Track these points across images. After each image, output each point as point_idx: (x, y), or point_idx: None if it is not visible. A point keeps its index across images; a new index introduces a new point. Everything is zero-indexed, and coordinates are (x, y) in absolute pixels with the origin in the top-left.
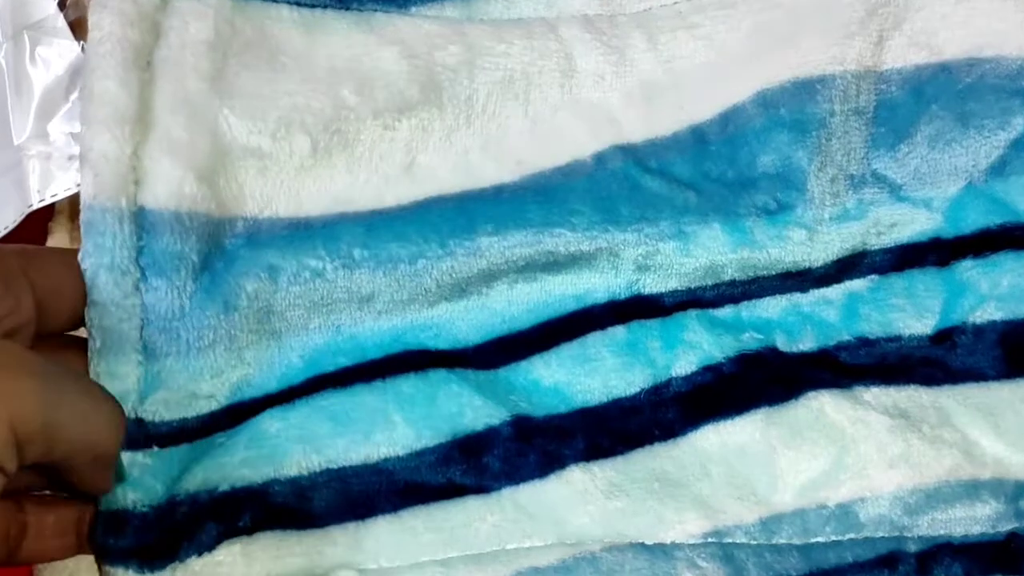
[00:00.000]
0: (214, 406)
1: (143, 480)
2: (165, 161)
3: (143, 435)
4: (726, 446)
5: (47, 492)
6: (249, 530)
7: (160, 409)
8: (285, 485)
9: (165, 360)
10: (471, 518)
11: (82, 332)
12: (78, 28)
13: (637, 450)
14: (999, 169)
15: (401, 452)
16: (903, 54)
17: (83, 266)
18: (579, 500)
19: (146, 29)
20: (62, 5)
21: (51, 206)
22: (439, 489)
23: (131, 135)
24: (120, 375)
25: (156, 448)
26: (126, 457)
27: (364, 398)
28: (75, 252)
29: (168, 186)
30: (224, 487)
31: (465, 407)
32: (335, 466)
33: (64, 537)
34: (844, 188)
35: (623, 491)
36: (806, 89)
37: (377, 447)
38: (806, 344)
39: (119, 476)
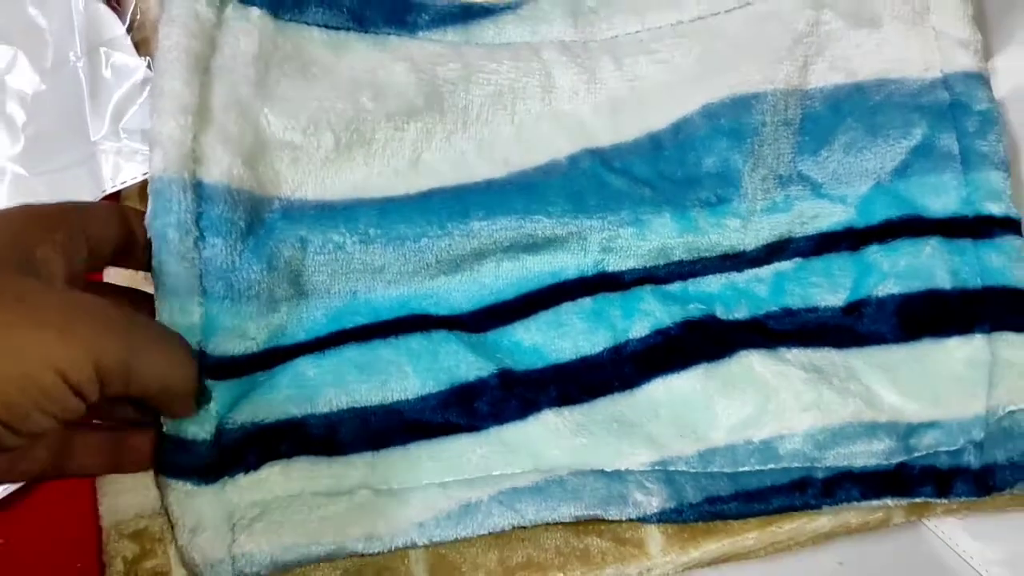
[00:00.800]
0: (255, 348)
1: (202, 410)
2: (219, 148)
3: (204, 366)
4: (672, 395)
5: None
6: (287, 454)
7: (218, 344)
8: (319, 419)
9: (222, 303)
10: (464, 450)
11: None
12: (142, 46)
13: (600, 398)
14: (902, 171)
15: (410, 396)
16: (824, 76)
17: (152, 225)
18: (552, 437)
19: (205, 41)
20: (129, 28)
21: (119, 192)
22: (439, 427)
23: (192, 124)
24: (188, 311)
25: (214, 380)
26: None
27: (381, 352)
28: (115, 207)
29: (220, 167)
30: (269, 419)
31: (461, 362)
32: (359, 406)
33: (103, 456)
34: (773, 185)
35: (587, 430)
36: (743, 104)
37: (392, 392)
38: (740, 313)
39: (201, 402)
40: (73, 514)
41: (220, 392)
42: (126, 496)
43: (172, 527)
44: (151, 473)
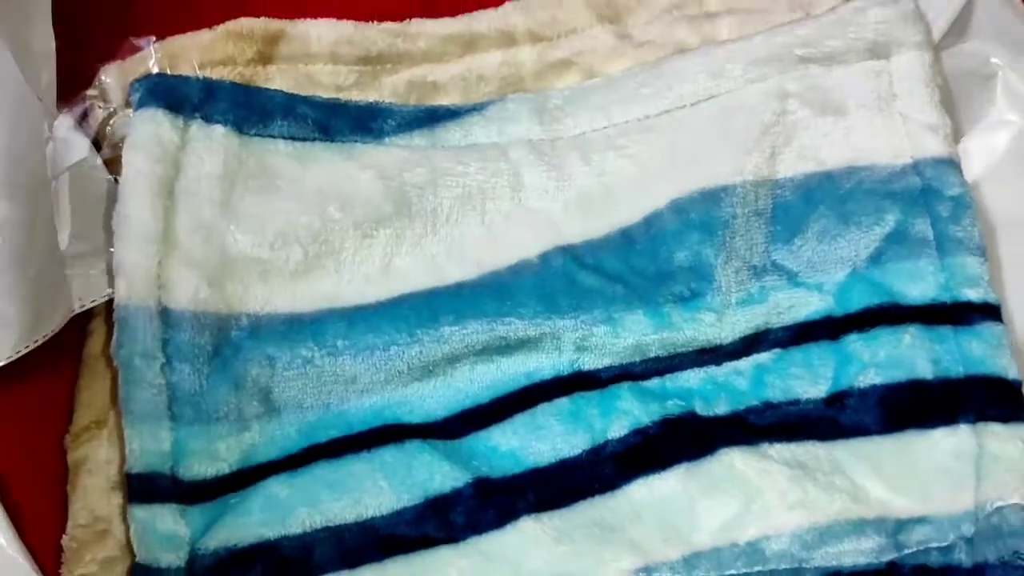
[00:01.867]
0: (226, 469)
1: (176, 536)
2: (184, 272)
3: (177, 491)
4: (654, 496)
5: None
6: None
7: (190, 468)
8: (293, 540)
9: (191, 427)
10: (442, 563)
11: None
12: (112, 164)
13: (580, 502)
14: (876, 258)
15: (385, 512)
16: (793, 165)
17: (118, 355)
18: (531, 546)
19: (170, 165)
20: (97, 145)
21: (90, 310)
22: (415, 540)
23: (157, 252)
24: (158, 438)
25: (186, 505)
26: (164, 512)
27: (354, 467)
28: None
29: (187, 292)
30: (243, 544)
31: (435, 473)
32: (333, 524)
33: None
34: (747, 277)
35: (568, 536)
36: (712, 197)
37: (366, 508)
38: (720, 408)
39: None
40: None
41: (192, 517)
42: None
43: None
44: None
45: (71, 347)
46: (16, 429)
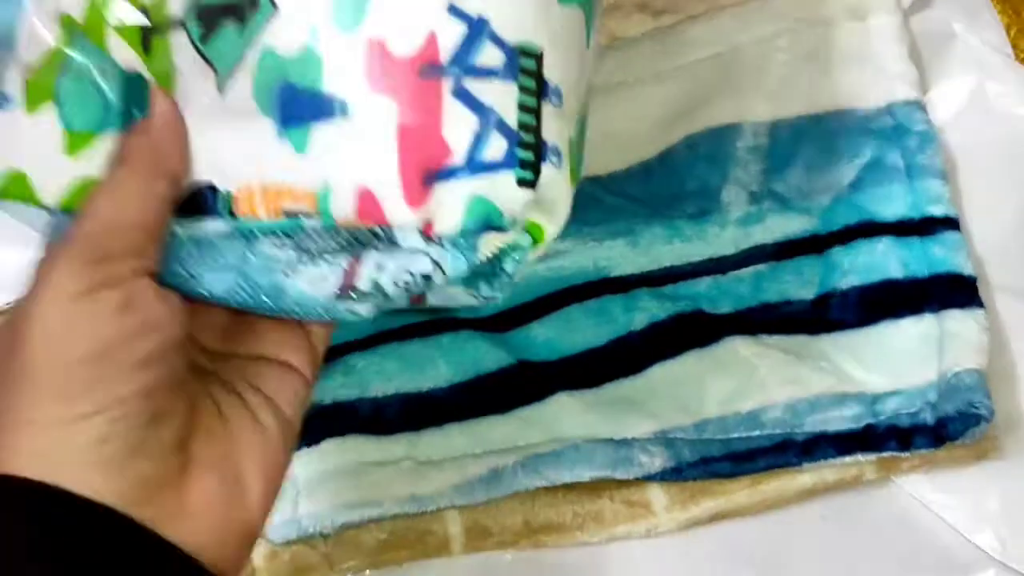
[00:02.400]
0: None
1: None
2: None
3: None
4: (669, 377)
5: None
6: (341, 432)
7: None
8: (367, 403)
9: None
10: (491, 427)
11: None
12: None
13: (607, 384)
14: (856, 185)
15: (443, 384)
16: (787, 108)
17: None
18: (566, 414)
19: None
20: None
21: None
22: (469, 409)
23: None
24: None
25: None
26: None
27: (418, 347)
28: None
29: None
30: (326, 401)
31: (485, 356)
32: (401, 392)
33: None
34: (747, 200)
35: (596, 409)
36: (718, 134)
37: (427, 381)
38: (724, 308)
39: None
40: None
41: None
42: None
43: None
44: None
45: None
46: None
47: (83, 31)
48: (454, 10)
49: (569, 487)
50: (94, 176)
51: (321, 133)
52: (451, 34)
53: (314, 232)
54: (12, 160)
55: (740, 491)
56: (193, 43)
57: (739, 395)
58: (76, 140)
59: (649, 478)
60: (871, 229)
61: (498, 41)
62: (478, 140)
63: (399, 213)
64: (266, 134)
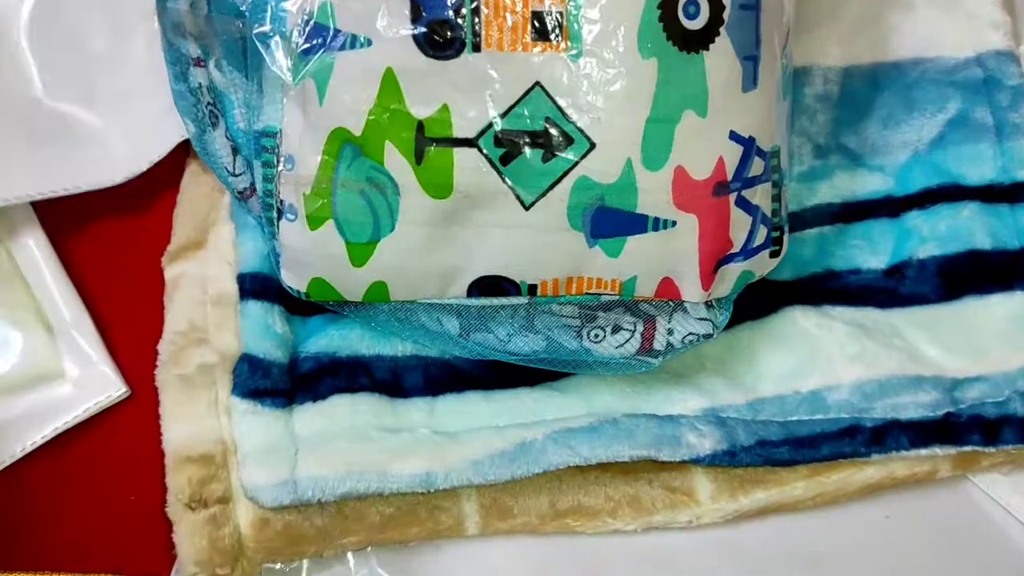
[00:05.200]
0: None
1: (282, 335)
2: None
3: (284, 296)
4: (716, 348)
5: None
6: (354, 389)
7: None
8: (385, 362)
9: None
10: (518, 394)
11: None
12: None
13: None
14: (938, 142)
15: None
16: (862, 54)
17: None
18: (603, 384)
19: None
20: None
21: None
22: (495, 380)
23: None
24: (269, 243)
25: (291, 314)
26: (274, 311)
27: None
28: None
29: None
30: (341, 354)
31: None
32: (420, 354)
33: None
34: (810, 153)
35: (638, 379)
36: None
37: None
38: (785, 274)
39: None
40: (133, 444)
41: (296, 326)
42: (190, 424)
43: (236, 450)
44: (215, 404)
45: (171, 175)
46: (112, 251)
47: (359, 143)
48: (733, 135)
49: (603, 467)
50: (384, 280)
51: (635, 243)
52: (733, 155)
53: (608, 302)
54: (310, 269)
55: (796, 482)
56: (492, 163)
57: (799, 372)
58: (359, 252)
59: (697, 461)
60: (954, 193)
61: (761, 153)
62: (751, 234)
63: (694, 294)
64: (576, 245)
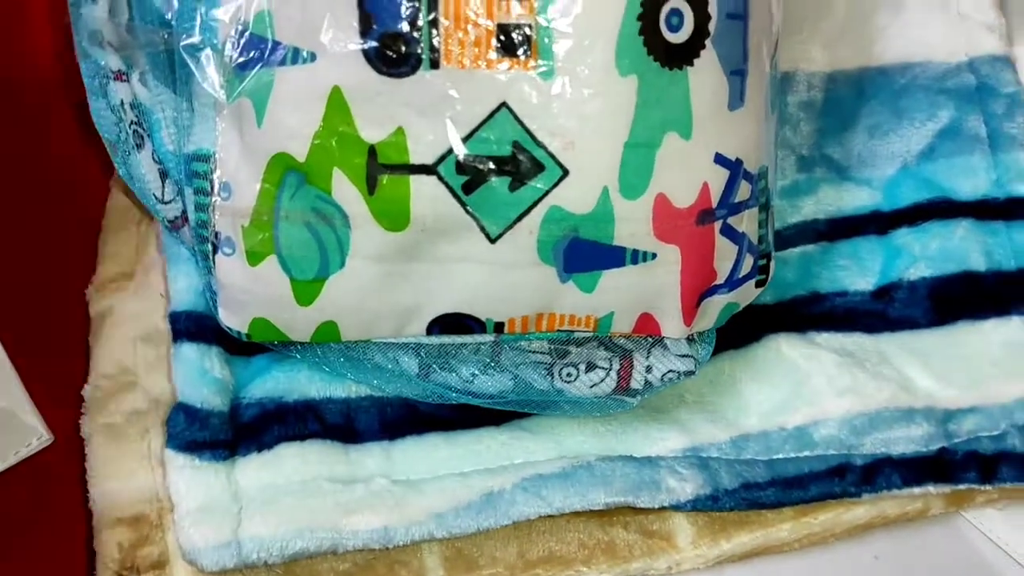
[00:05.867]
0: None
1: (221, 380)
2: None
3: (220, 336)
4: (696, 379)
5: None
6: (303, 437)
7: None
8: (337, 404)
9: None
10: (483, 437)
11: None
12: None
13: None
14: (928, 154)
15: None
16: (848, 58)
17: None
18: (576, 423)
19: None
20: None
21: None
22: (458, 419)
23: None
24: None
25: (229, 354)
26: (211, 353)
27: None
28: None
29: None
30: (288, 399)
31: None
32: (375, 395)
33: None
34: (793, 166)
35: (614, 416)
36: None
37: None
38: (767, 298)
39: None
40: (57, 499)
41: (237, 368)
42: (120, 481)
43: (173, 508)
44: (148, 456)
45: (92, 201)
46: (31, 283)
47: (303, 170)
48: (719, 158)
49: (576, 512)
50: (334, 320)
51: (611, 278)
52: (719, 180)
53: (581, 338)
54: (251, 308)
55: (782, 523)
56: (454, 192)
57: (785, 407)
58: (305, 290)
59: (678, 507)
60: (945, 209)
61: (748, 176)
62: (736, 264)
63: (675, 330)
64: (547, 280)
